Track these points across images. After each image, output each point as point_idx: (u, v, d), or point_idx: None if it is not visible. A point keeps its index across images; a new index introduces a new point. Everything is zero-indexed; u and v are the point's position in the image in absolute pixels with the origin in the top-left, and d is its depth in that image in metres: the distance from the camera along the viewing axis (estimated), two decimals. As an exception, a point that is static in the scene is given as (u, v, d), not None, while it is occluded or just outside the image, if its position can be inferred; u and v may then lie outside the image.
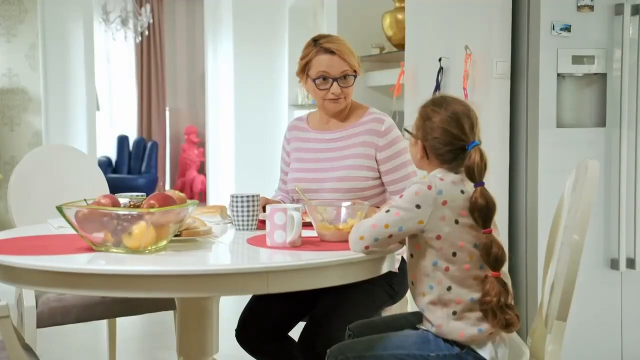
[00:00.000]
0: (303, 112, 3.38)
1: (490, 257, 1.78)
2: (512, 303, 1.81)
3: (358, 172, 2.44)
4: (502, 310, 1.77)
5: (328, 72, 2.45)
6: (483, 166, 1.80)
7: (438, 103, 1.89)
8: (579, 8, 3.03)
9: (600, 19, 3.05)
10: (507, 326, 1.79)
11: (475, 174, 1.80)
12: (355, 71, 2.48)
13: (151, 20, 9.30)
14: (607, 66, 3.07)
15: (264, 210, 2.12)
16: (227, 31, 7.01)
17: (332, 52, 2.45)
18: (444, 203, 1.79)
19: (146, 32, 9.61)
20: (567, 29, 3.03)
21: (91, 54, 6.67)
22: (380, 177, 2.48)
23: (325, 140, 2.55)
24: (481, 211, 1.77)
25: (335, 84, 2.46)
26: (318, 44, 2.48)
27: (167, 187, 10.52)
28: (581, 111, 3.13)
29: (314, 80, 2.48)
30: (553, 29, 3.02)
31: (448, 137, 1.84)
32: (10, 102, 6.20)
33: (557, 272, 1.90)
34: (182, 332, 2.14)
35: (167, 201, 1.88)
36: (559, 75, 3.05)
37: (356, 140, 2.49)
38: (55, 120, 6.33)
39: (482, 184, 1.80)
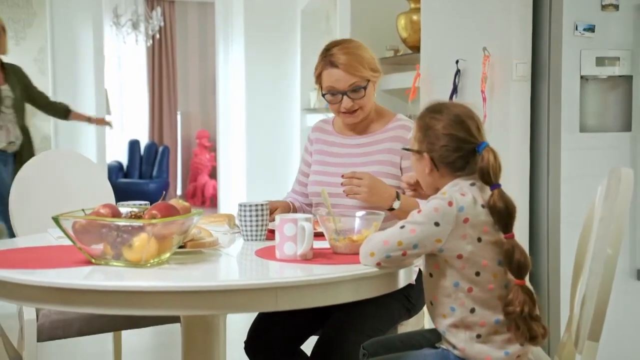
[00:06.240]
0: (316, 116, 3.26)
1: (513, 264, 1.67)
2: (538, 314, 1.69)
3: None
4: (526, 321, 1.66)
5: (335, 87, 2.36)
6: (498, 167, 1.71)
7: (436, 110, 1.80)
8: (603, 7, 2.91)
9: (626, 18, 2.93)
10: (532, 339, 1.67)
11: (491, 176, 1.70)
12: (368, 80, 2.37)
13: (162, 24, 9.24)
14: (632, 68, 2.95)
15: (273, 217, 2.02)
16: (238, 34, 6.93)
17: (337, 66, 2.34)
18: (466, 220, 1.67)
19: (157, 36, 9.54)
20: (591, 29, 2.91)
21: (101, 57, 6.60)
22: None
23: (349, 145, 2.46)
24: (501, 215, 1.67)
25: (345, 97, 2.36)
26: (328, 55, 2.38)
27: (179, 191, 10.44)
28: (605, 115, 3.01)
29: (323, 95, 2.42)
30: (576, 29, 2.90)
31: (456, 142, 1.74)
32: (19, 106, 6.11)
33: (588, 287, 1.78)
34: (187, 349, 2.03)
35: (169, 211, 1.77)
36: (582, 77, 2.93)
37: (381, 147, 2.39)
38: (64, 125, 6.24)
39: (499, 185, 1.70)
